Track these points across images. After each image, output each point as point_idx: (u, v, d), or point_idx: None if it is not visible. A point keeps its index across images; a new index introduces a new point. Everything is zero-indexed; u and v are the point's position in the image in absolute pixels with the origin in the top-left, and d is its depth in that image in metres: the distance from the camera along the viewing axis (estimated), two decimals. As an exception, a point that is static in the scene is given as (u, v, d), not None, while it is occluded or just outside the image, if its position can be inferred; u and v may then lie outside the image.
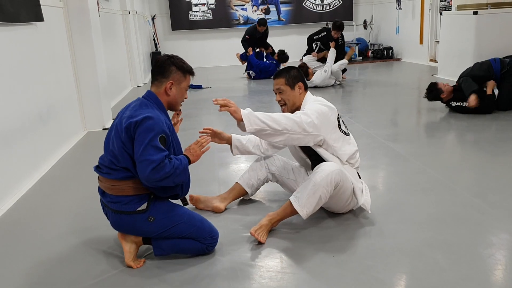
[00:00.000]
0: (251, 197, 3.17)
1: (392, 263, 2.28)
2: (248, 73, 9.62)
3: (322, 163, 2.60)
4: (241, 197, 3.13)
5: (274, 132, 2.51)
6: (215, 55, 12.33)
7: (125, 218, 2.32)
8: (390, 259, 2.31)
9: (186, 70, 2.46)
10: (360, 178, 2.82)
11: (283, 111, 2.82)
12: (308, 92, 2.85)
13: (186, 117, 6.02)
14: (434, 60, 10.07)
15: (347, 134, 2.78)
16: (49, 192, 3.56)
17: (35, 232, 2.87)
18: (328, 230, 2.66)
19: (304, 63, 8.20)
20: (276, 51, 9.75)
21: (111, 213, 2.36)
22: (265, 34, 9.82)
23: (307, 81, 7.88)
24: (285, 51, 9.52)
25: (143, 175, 2.16)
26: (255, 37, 9.73)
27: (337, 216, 2.82)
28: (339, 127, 2.72)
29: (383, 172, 3.72)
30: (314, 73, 7.95)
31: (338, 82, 8.12)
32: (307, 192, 2.52)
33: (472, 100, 5.11)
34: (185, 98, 2.52)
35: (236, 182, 3.10)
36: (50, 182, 3.78)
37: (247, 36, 9.76)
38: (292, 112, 2.73)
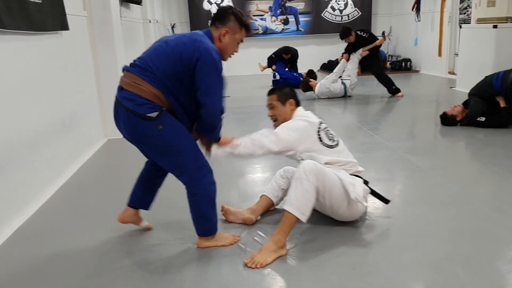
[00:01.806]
0: (276, 207, 3.17)
1: (413, 277, 2.29)
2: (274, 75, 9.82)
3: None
4: (270, 209, 3.15)
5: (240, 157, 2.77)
6: (234, 65, 12.29)
7: (135, 121, 2.34)
8: (410, 273, 2.32)
9: (244, 23, 2.55)
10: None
11: (275, 126, 2.93)
12: (300, 108, 2.97)
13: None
14: (453, 73, 10.03)
15: (331, 146, 2.83)
16: (72, 198, 3.62)
17: (58, 238, 2.91)
18: (347, 244, 2.67)
19: (307, 77, 8.34)
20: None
21: (122, 111, 2.37)
22: (293, 59, 9.98)
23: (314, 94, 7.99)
24: (314, 71, 9.51)
25: (213, 106, 2.38)
26: (282, 60, 9.95)
27: (355, 229, 2.83)
28: (320, 140, 2.80)
29: (402, 185, 3.72)
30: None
31: (348, 94, 8.04)
32: (293, 191, 2.54)
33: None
34: (235, 51, 2.60)
35: (263, 195, 3.13)
36: (72, 188, 3.84)
37: (273, 55, 9.98)
38: None
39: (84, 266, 2.53)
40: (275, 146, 2.72)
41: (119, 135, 2.58)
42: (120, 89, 2.42)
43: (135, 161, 3.16)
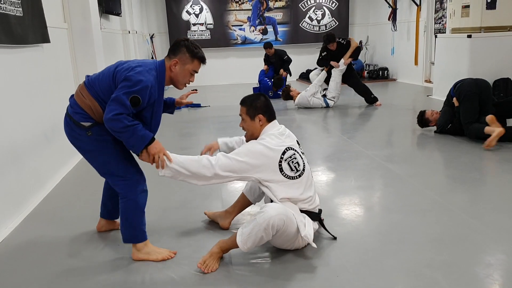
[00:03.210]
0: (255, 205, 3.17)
1: (395, 283, 2.35)
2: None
3: (267, 204, 2.57)
4: (249, 207, 3.15)
5: (187, 177, 2.64)
6: (213, 74, 12.40)
7: (71, 125, 2.59)
8: (392, 279, 2.38)
9: (195, 55, 2.65)
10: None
11: (245, 137, 2.89)
12: (271, 123, 2.81)
13: (184, 136, 6.13)
14: (429, 81, 10.24)
15: (292, 178, 2.67)
16: (55, 210, 3.60)
17: (42, 251, 2.90)
18: (329, 252, 2.72)
19: (288, 85, 8.36)
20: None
21: (65, 114, 2.64)
22: (279, 58, 9.82)
23: (294, 103, 8.02)
24: (280, 78, 9.45)
25: (104, 117, 2.44)
26: (269, 60, 9.95)
27: (338, 235, 2.88)
28: (281, 171, 2.64)
29: (382, 193, 3.79)
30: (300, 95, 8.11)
31: (330, 105, 8.03)
32: (249, 230, 2.48)
33: None
34: (190, 81, 2.72)
35: (242, 192, 3.15)
36: (55, 200, 3.82)
37: (264, 57, 10.07)
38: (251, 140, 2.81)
39: (69, 282, 2.53)
40: (221, 170, 2.60)
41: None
42: (72, 95, 2.67)
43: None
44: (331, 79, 7.97)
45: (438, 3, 10.05)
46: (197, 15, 12.53)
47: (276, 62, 9.88)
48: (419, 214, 3.21)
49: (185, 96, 3.06)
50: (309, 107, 7.99)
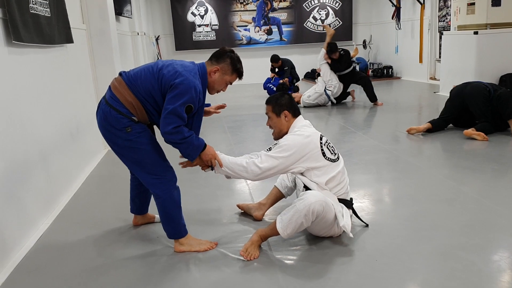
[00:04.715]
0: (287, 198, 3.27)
1: (433, 265, 2.43)
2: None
3: (307, 192, 2.68)
4: (280, 200, 3.25)
5: (238, 177, 2.82)
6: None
7: (112, 116, 2.56)
8: (430, 262, 2.47)
9: (237, 69, 2.74)
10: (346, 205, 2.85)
11: (272, 135, 3.00)
12: (298, 118, 2.92)
13: (200, 135, 6.19)
14: (434, 78, 10.34)
15: (334, 160, 2.80)
16: (84, 209, 3.65)
17: (78, 248, 2.96)
18: (364, 239, 2.81)
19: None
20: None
21: (103, 105, 2.62)
22: (282, 69, 9.84)
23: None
24: (284, 84, 9.49)
25: (162, 130, 2.51)
26: (274, 70, 9.98)
27: (369, 225, 2.97)
28: (324, 155, 2.77)
29: (405, 184, 3.84)
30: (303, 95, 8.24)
31: (333, 101, 8.17)
32: (289, 217, 2.57)
33: None
34: (222, 90, 2.82)
35: (274, 185, 3.26)
36: (83, 198, 3.89)
37: (271, 67, 10.10)
38: (280, 137, 2.91)
39: (99, 275, 2.61)
40: (269, 171, 2.73)
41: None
42: (109, 89, 2.67)
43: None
44: (322, 74, 8.11)
45: (442, 1, 10.15)
46: (202, 17, 12.63)
47: (281, 70, 9.91)
48: (446, 203, 3.30)
49: (214, 107, 3.13)
50: (315, 106, 8.13)
